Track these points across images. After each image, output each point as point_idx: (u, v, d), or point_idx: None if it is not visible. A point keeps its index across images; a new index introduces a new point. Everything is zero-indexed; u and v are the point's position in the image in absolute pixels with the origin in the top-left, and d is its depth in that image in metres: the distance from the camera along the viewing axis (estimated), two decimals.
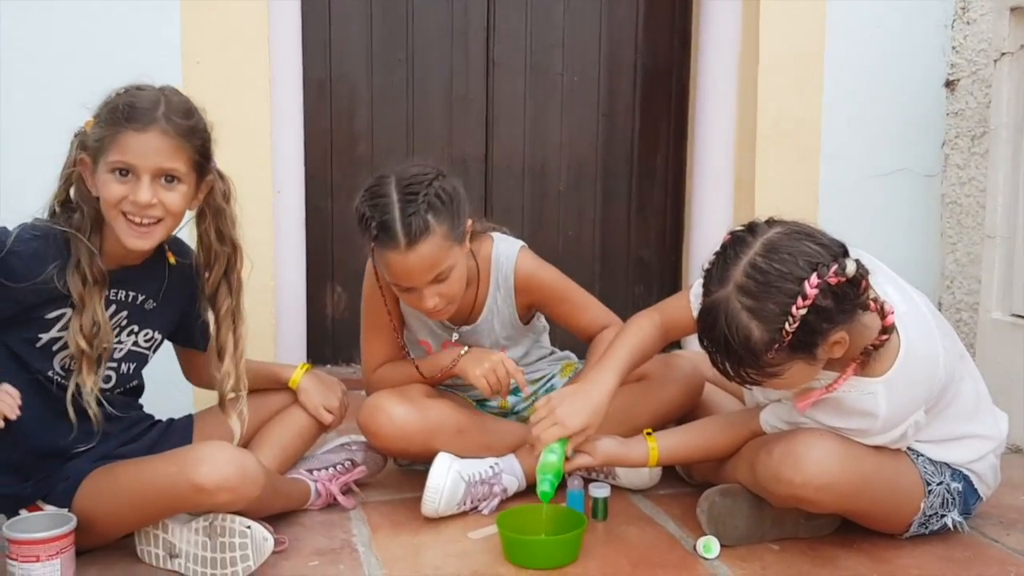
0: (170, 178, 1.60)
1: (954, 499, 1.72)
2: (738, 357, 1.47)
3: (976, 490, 1.77)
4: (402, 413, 1.88)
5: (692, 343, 3.06)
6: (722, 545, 1.71)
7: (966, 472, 1.74)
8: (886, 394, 1.54)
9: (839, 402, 1.57)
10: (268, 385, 1.97)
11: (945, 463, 1.72)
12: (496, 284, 2.01)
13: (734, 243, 1.49)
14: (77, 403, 1.62)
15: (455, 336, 2.05)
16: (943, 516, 1.73)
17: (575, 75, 3.07)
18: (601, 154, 3.12)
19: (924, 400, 1.60)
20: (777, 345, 1.43)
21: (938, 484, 1.70)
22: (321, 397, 1.96)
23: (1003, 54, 2.44)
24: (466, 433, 1.92)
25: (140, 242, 1.62)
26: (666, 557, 1.71)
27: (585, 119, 3.08)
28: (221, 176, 1.73)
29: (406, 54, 2.93)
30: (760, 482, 1.66)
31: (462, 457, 1.90)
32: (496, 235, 2.06)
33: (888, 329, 1.51)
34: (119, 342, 1.71)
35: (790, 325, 1.42)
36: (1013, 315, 2.43)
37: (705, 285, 1.50)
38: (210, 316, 1.77)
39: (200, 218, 1.73)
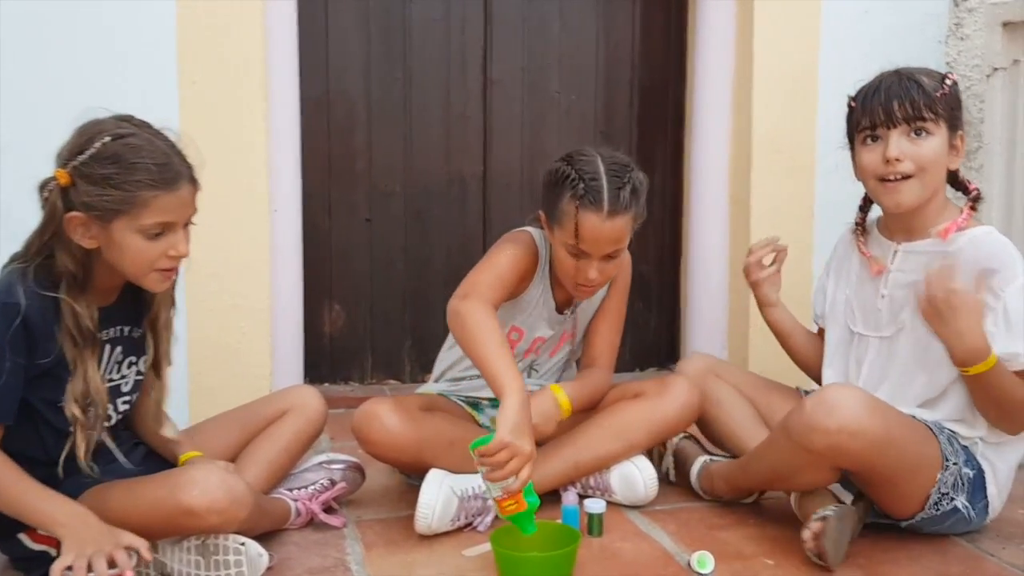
0: (190, 221, 1.63)
1: (964, 484, 1.73)
2: (917, 87, 1.75)
3: (986, 491, 1.77)
4: (396, 422, 1.88)
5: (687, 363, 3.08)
6: (829, 569, 1.69)
7: (983, 464, 1.76)
8: (999, 236, 1.77)
9: (977, 244, 1.75)
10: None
11: (966, 446, 1.74)
12: None
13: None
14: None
15: (567, 319, 2.13)
16: (953, 499, 1.73)
17: (572, 93, 3.09)
18: None
19: None
20: (939, 92, 1.74)
21: (953, 464, 1.72)
22: None
23: (995, 69, 2.45)
24: (458, 446, 1.91)
25: (167, 285, 1.65)
26: (660, 573, 1.71)
27: (582, 137, 3.08)
28: None
29: (404, 72, 2.95)
30: (797, 441, 1.66)
31: (455, 472, 1.90)
32: None
33: (979, 199, 1.83)
34: (123, 376, 1.71)
35: (944, 87, 1.76)
36: None
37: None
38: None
39: None
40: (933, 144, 1.76)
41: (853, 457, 1.65)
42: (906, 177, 1.76)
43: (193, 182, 1.60)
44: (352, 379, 3.02)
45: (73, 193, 1.53)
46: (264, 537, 1.77)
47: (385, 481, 2.17)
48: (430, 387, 2.21)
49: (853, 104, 1.85)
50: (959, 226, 1.77)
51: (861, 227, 1.97)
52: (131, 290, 1.70)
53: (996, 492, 1.80)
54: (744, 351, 2.87)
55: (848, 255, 2.00)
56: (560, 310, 2.13)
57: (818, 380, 2.05)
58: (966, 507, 1.75)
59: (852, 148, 1.88)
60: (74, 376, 1.58)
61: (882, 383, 1.86)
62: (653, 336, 3.22)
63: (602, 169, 1.90)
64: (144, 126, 1.59)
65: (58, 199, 1.54)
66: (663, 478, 2.14)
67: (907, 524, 1.78)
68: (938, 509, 1.74)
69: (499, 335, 1.80)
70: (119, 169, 1.52)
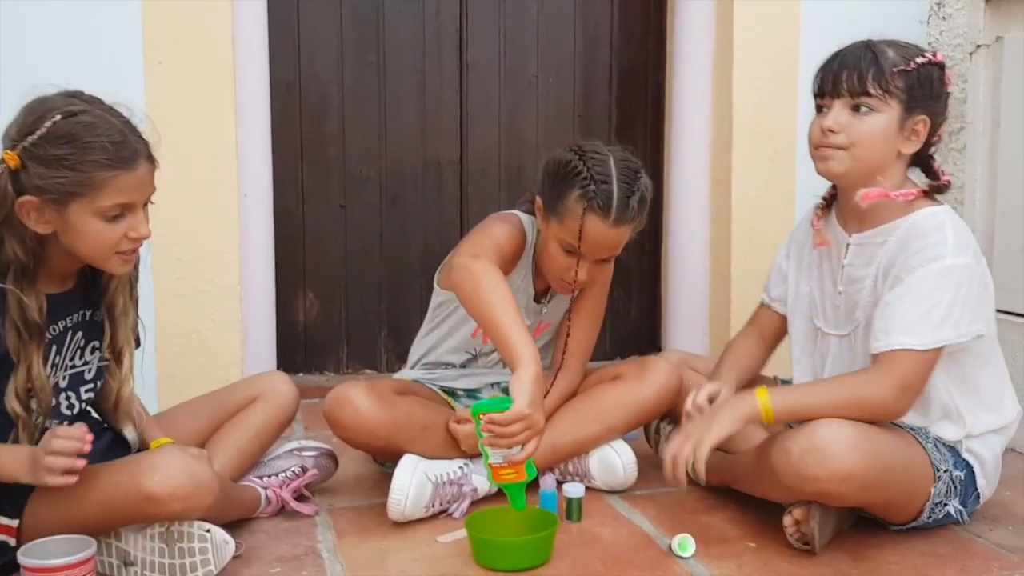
0: (149, 201, 1.56)
1: (956, 488, 1.70)
2: (872, 59, 1.67)
3: (976, 483, 1.74)
4: (368, 406, 1.82)
5: (673, 345, 3.04)
6: (808, 550, 1.65)
7: (970, 460, 1.72)
8: (949, 216, 1.68)
9: (912, 226, 1.67)
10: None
11: (952, 447, 1.70)
12: None
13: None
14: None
15: (544, 310, 2.06)
16: (945, 505, 1.69)
17: (550, 76, 3.03)
18: None
19: (977, 260, 1.66)
20: (897, 68, 1.66)
21: (944, 471, 1.67)
22: None
23: (978, 46, 2.42)
24: (433, 431, 1.86)
25: (129, 268, 1.58)
26: (640, 557, 1.66)
27: (561, 121, 3.04)
28: None
29: (377, 56, 2.89)
30: (783, 483, 1.61)
31: (430, 458, 1.85)
32: None
33: (942, 188, 1.73)
34: (85, 363, 1.65)
35: (910, 64, 1.67)
36: (996, 311, 2.39)
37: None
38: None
39: None
40: (875, 122, 1.66)
41: (845, 499, 1.62)
42: (839, 148, 1.68)
43: (151, 160, 1.53)
44: (327, 369, 2.96)
45: (24, 176, 1.45)
46: (233, 526, 1.72)
47: (358, 469, 2.11)
48: (404, 374, 2.16)
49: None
50: (885, 195, 1.67)
51: (827, 203, 1.87)
52: (90, 272, 1.63)
53: (986, 483, 1.76)
54: (726, 336, 2.80)
55: (807, 241, 1.91)
56: (538, 299, 2.07)
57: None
58: (959, 510, 1.72)
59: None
60: (16, 370, 1.50)
61: None
62: (633, 324, 3.18)
63: (614, 172, 1.83)
64: (95, 102, 1.51)
65: (8, 183, 1.45)
66: (658, 465, 2.09)
67: (899, 530, 1.74)
68: (931, 517, 1.70)
69: (513, 302, 1.70)
70: (73, 149, 1.45)
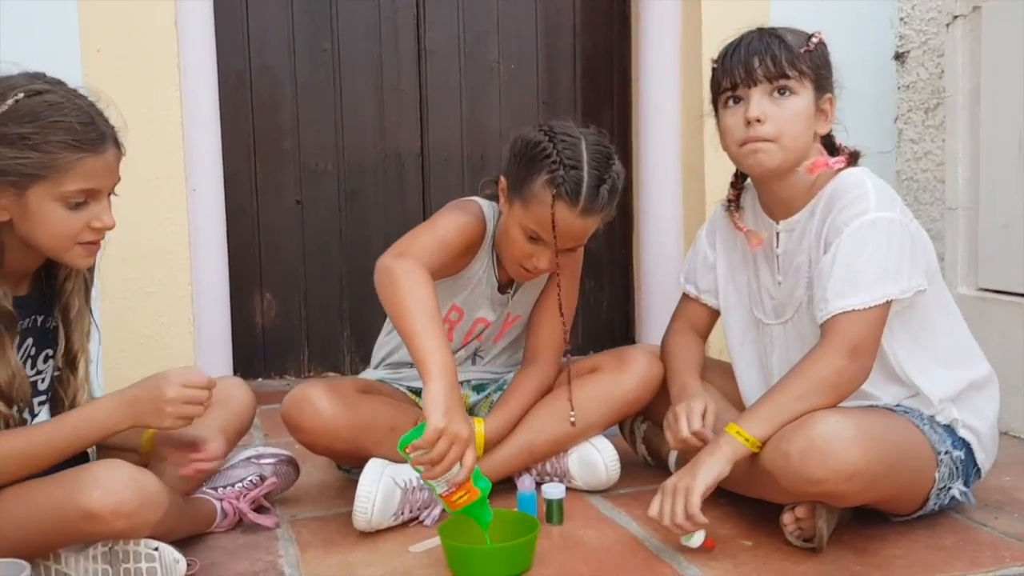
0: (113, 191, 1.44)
1: (958, 469, 1.61)
2: (780, 42, 1.61)
3: (975, 460, 1.65)
4: (329, 407, 1.69)
5: (648, 337, 2.93)
6: (811, 547, 1.54)
7: (967, 437, 1.63)
8: (867, 175, 1.63)
9: (833, 189, 1.61)
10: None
11: (948, 426, 1.61)
12: None
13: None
14: None
15: (509, 301, 1.93)
16: (950, 488, 1.60)
17: (512, 62, 2.93)
18: None
19: (904, 214, 1.60)
20: (802, 49, 1.61)
21: (945, 454, 1.58)
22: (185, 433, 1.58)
23: (955, 17, 2.33)
24: (399, 432, 1.70)
25: (91, 261, 1.46)
26: (629, 560, 1.54)
27: (524, 107, 2.93)
28: None
29: (331, 43, 2.77)
30: (785, 487, 1.50)
31: (398, 462, 1.71)
32: None
33: (857, 157, 1.68)
34: (39, 372, 1.51)
35: (809, 44, 1.63)
36: (980, 289, 2.31)
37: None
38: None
39: None
40: (797, 104, 1.60)
41: (849, 498, 1.51)
42: (768, 141, 1.59)
43: (118, 146, 1.42)
44: (288, 372, 2.83)
45: None
46: (185, 542, 1.58)
47: (322, 476, 1.98)
48: (368, 374, 2.03)
49: (715, 65, 1.67)
50: (827, 164, 1.63)
51: (735, 203, 1.78)
52: (43, 275, 1.50)
53: (984, 456, 1.68)
54: None
55: (732, 233, 1.81)
56: (503, 290, 1.95)
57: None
58: (963, 492, 1.63)
59: (716, 115, 1.69)
60: None
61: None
62: (606, 315, 3.07)
63: (585, 157, 1.70)
64: (58, 84, 1.40)
65: None
66: (641, 463, 2.00)
67: (903, 520, 1.65)
68: (936, 503, 1.61)
69: (432, 306, 1.58)
70: (37, 128, 1.33)
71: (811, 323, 1.63)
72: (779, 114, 1.59)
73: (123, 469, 1.40)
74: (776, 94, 1.59)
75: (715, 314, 1.88)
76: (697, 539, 1.53)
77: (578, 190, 1.68)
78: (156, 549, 1.41)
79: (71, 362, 1.53)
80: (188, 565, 1.47)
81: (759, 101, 1.58)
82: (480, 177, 2.83)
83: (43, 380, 1.53)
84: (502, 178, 1.81)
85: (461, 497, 1.48)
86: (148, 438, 1.63)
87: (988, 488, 1.79)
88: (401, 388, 1.95)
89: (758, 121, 1.57)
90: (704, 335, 1.93)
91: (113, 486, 1.36)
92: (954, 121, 2.37)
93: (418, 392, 1.95)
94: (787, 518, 1.55)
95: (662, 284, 2.91)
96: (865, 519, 1.64)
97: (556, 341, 1.92)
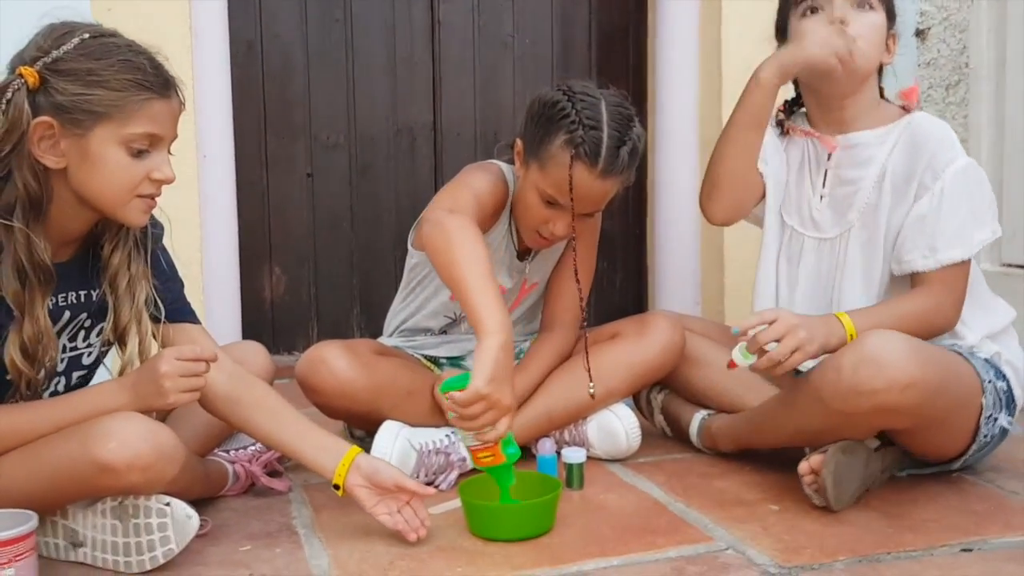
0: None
1: (1002, 399, 1.58)
2: None
3: (1013, 393, 1.62)
4: (345, 367, 1.64)
5: (663, 304, 2.88)
6: (830, 509, 1.50)
7: (1004, 369, 1.61)
8: (932, 118, 1.69)
9: (916, 128, 1.65)
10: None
11: (987, 360, 1.60)
12: None
13: None
14: None
15: (527, 269, 1.89)
16: (996, 419, 1.57)
17: (527, 37, 2.88)
18: None
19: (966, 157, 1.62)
20: None
21: (988, 383, 1.55)
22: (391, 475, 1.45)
23: None
24: (417, 396, 1.69)
25: (145, 218, 1.39)
26: (653, 522, 1.50)
27: (539, 83, 2.86)
28: None
29: (344, 13, 2.73)
30: (835, 407, 1.45)
31: (414, 425, 1.67)
32: None
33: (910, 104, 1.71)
34: (89, 345, 1.47)
35: None
36: (1004, 264, 2.28)
37: None
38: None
39: None
40: (876, 19, 1.66)
41: (905, 411, 1.44)
42: None
43: (180, 97, 1.36)
44: (296, 348, 2.78)
45: (42, 97, 1.27)
46: (197, 504, 1.51)
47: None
48: (382, 341, 1.98)
49: None
50: (916, 96, 1.72)
51: (787, 121, 1.81)
52: (91, 247, 1.43)
53: (1021, 392, 1.65)
54: (719, 305, 2.69)
55: (778, 147, 1.80)
56: (521, 257, 1.91)
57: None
58: (1010, 422, 1.60)
59: (783, 39, 1.75)
60: (22, 319, 1.31)
61: (830, 290, 1.72)
62: (619, 295, 3.03)
63: (605, 118, 1.64)
64: (116, 33, 1.35)
65: (24, 101, 1.26)
66: (659, 434, 1.96)
67: (960, 464, 1.62)
68: (987, 436, 1.57)
69: (486, 264, 1.50)
70: (106, 65, 1.28)
71: (856, 250, 1.68)
72: (861, 22, 1.64)
73: (139, 421, 1.35)
74: (857, 7, 1.64)
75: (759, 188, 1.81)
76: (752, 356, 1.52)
77: (598, 151, 1.63)
78: (167, 504, 1.36)
79: (120, 338, 1.45)
80: (200, 524, 1.42)
81: (842, 6, 1.64)
82: (493, 153, 2.82)
83: (89, 354, 1.48)
84: (518, 141, 1.76)
85: (486, 457, 1.44)
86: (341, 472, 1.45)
87: (1016, 460, 1.75)
88: (416, 356, 1.91)
89: (843, 22, 1.62)
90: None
91: (129, 438, 1.31)
92: (978, 93, 2.35)
93: (434, 360, 1.91)
94: (803, 467, 1.51)
95: (677, 263, 2.87)
96: (893, 486, 1.61)
97: (574, 308, 1.87)
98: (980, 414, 1.55)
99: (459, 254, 1.50)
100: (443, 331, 1.93)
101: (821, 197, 1.73)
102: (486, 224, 1.78)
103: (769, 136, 1.79)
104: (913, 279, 1.63)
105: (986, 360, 1.60)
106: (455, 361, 1.93)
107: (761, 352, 1.50)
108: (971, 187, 1.61)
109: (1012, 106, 2.25)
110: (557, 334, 1.87)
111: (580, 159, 1.64)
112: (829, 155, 1.72)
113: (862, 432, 1.52)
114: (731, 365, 1.55)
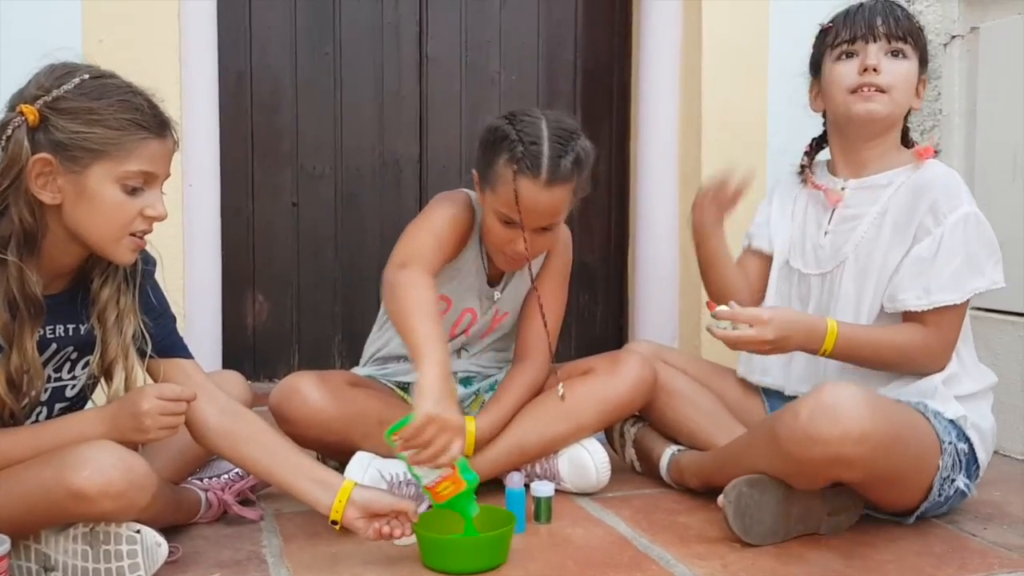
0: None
1: (961, 461, 1.61)
2: (902, 11, 1.76)
3: (976, 457, 1.65)
4: (318, 398, 1.68)
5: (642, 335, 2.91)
6: (745, 543, 1.53)
7: (969, 432, 1.63)
8: (943, 166, 1.75)
9: (924, 173, 1.71)
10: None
11: (951, 421, 1.61)
12: None
13: None
14: None
15: (497, 296, 1.95)
16: (954, 480, 1.60)
17: (513, 73, 2.93)
18: None
19: (974, 205, 1.67)
20: (917, 23, 1.76)
21: (949, 443, 1.58)
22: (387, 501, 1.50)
23: (953, 37, 2.35)
24: (388, 425, 1.71)
25: (134, 256, 1.43)
26: (616, 558, 1.53)
27: None
28: None
29: (333, 47, 2.77)
30: (789, 451, 1.49)
31: (385, 456, 1.70)
32: None
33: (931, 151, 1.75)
34: (74, 377, 1.49)
35: (919, 23, 1.78)
36: (974, 308, 2.30)
37: None
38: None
39: None
40: (908, 68, 1.73)
41: (857, 464, 1.47)
42: (880, 91, 1.70)
43: (176, 139, 1.42)
44: (277, 376, 2.79)
45: (41, 134, 1.32)
46: (168, 531, 1.55)
47: None
48: (356, 371, 2.01)
49: (829, 25, 1.78)
50: (933, 152, 1.75)
51: (808, 167, 1.89)
52: (81, 281, 1.47)
53: (985, 456, 1.68)
54: (696, 339, 2.71)
55: (791, 191, 1.93)
56: (492, 282, 1.95)
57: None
58: (967, 484, 1.63)
59: (816, 76, 1.83)
60: (10, 351, 1.34)
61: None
62: (600, 328, 3.06)
63: (545, 133, 1.73)
64: (117, 76, 1.41)
65: (24, 138, 1.30)
66: (629, 468, 1.99)
67: (913, 519, 1.64)
68: (941, 494, 1.60)
69: (430, 306, 1.62)
70: (106, 104, 1.33)
71: (849, 282, 1.74)
72: (893, 70, 1.71)
73: (112, 449, 1.38)
74: (891, 55, 1.71)
75: (765, 265, 1.92)
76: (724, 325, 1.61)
77: (538, 163, 1.70)
78: (138, 532, 1.39)
79: (106, 371, 1.48)
80: (170, 552, 1.45)
81: (876, 54, 1.70)
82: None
83: (72, 386, 1.50)
84: (474, 172, 1.83)
85: (447, 488, 1.47)
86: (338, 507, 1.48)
87: (979, 502, 1.78)
88: (389, 384, 1.94)
89: (875, 70, 1.69)
90: (755, 285, 1.94)
91: (102, 466, 1.34)
92: (950, 140, 2.39)
93: (406, 388, 1.94)
94: (720, 500, 1.55)
95: (657, 297, 2.90)
96: (854, 526, 1.63)
97: (546, 337, 1.92)
98: (936, 474, 1.57)
99: (405, 304, 1.61)
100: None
101: (826, 233, 1.80)
102: (452, 252, 1.85)
103: (777, 203, 1.92)
104: (904, 317, 1.67)
105: (951, 421, 1.62)
106: None
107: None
108: (971, 235, 1.64)
109: (982, 153, 2.30)
110: (530, 365, 1.90)
111: (523, 173, 1.71)
112: (841, 194, 1.79)
113: (816, 481, 1.54)
114: (710, 306, 1.65)
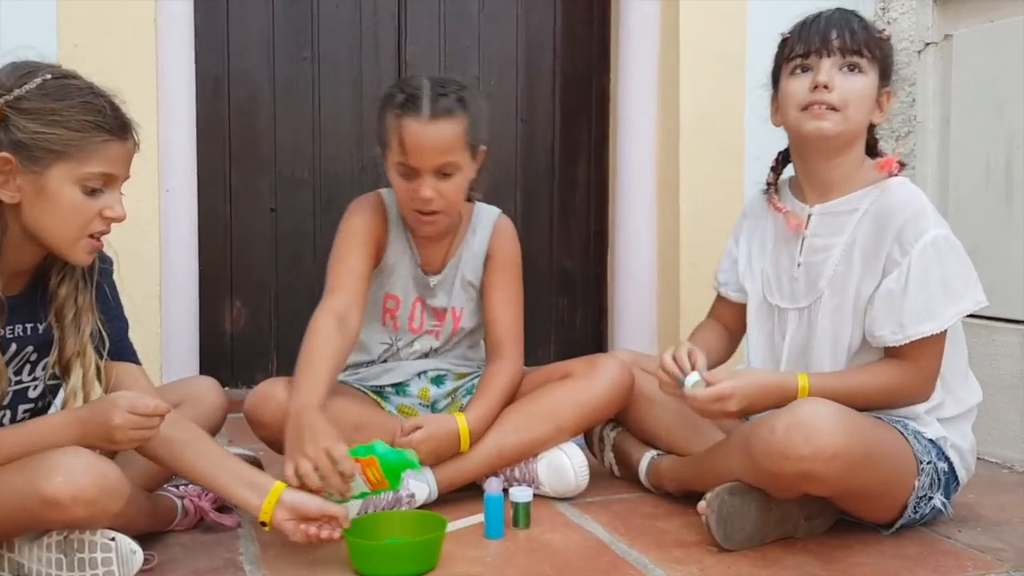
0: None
1: (939, 480, 1.61)
2: (860, 22, 1.67)
3: (956, 474, 1.66)
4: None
5: (622, 344, 2.92)
6: (725, 549, 1.54)
7: (951, 456, 1.64)
8: (913, 185, 1.67)
9: (887, 196, 1.63)
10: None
11: (932, 441, 1.62)
12: (473, 231, 1.96)
13: None
14: None
15: (433, 282, 1.94)
16: (931, 499, 1.60)
17: (492, 79, 2.94)
18: (521, 161, 2.98)
19: (947, 229, 1.62)
20: (877, 35, 1.66)
21: (928, 463, 1.58)
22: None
23: (927, 44, 2.38)
24: (365, 431, 1.71)
25: (91, 257, 1.43)
26: (593, 563, 1.53)
27: (503, 125, 2.93)
28: None
29: (311, 52, 2.77)
30: (762, 464, 1.49)
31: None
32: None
33: (901, 167, 1.68)
34: (34, 379, 1.48)
35: (883, 33, 1.69)
36: None
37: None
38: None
39: None
40: (864, 83, 1.63)
41: (829, 481, 1.48)
42: (832, 109, 1.62)
43: (136, 140, 1.42)
44: (255, 382, 2.74)
45: (1, 134, 1.31)
46: (144, 538, 1.54)
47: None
48: None
49: (787, 36, 1.71)
50: (893, 167, 1.65)
51: (773, 186, 1.81)
52: (39, 282, 1.46)
53: (965, 474, 1.69)
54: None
55: (759, 220, 1.84)
56: (426, 270, 1.95)
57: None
58: (944, 503, 1.63)
59: (775, 88, 1.74)
60: None
61: (804, 356, 1.72)
62: (579, 334, 3.07)
63: (426, 81, 1.80)
64: (75, 74, 1.40)
65: None
66: (607, 473, 1.99)
67: (890, 533, 1.64)
68: (916, 511, 1.61)
69: (323, 351, 1.73)
70: (68, 105, 1.33)
71: (825, 317, 1.68)
72: (846, 86, 1.62)
73: (85, 456, 1.37)
74: (846, 70, 1.63)
75: (739, 308, 1.88)
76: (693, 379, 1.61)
77: (417, 102, 1.75)
78: (113, 539, 1.39)
79: (65, 369, 1.48)
80: (146, 559, 1.44)
81: (829, 70, 1.62)
82: None
83: (35, 387, 1.49)
84: (378, 148, 1.88)
85: (374, 475, 1.54)
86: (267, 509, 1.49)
87: (955, 504, 1.79)
88: (362, 389, 1.94)
89: (825, 87, 1.61)
90: (734, 330, 1.92)
91: (74, 473, 1.33)
92: (924, 147, 2.41)
93: (379, 392, 1.94)
94: (700, 506, 1.56)
95: (635, 302, 2.92)
96: (831, 529, 1.64)
97: (513, 331, 1.94)
98: (912, 493, 1.58)
99: (302, 349, 1.74)
100: (383, 360, 1.97)
101: (799, 265, 1.73)
102: (377, 250, 1.89)
103: (744, 241, 1.86)
104: (885, 351, 1.63)
105: (931, 440, 1.62)
106: (400, 388, 1.96)
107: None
108: (942, 260, 1.58)
109: (956, 159, 2.32)
110: (505, 359, 1.91)
111: (405, 115, 1.75)
112: (808, 221, 1.72)
113: (788, 493, 1.55)
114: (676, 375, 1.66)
